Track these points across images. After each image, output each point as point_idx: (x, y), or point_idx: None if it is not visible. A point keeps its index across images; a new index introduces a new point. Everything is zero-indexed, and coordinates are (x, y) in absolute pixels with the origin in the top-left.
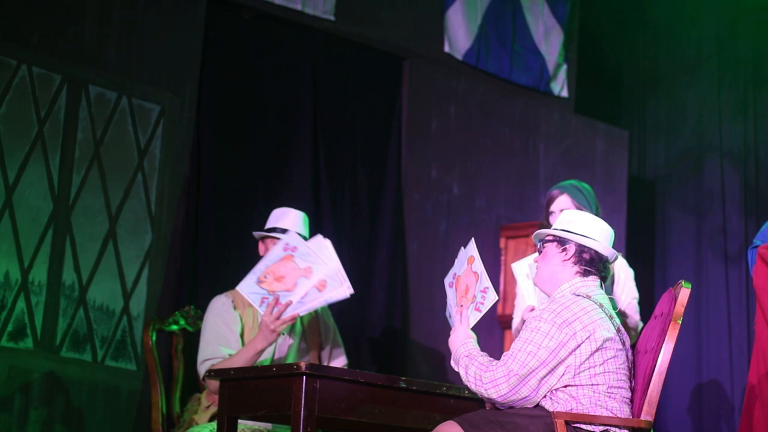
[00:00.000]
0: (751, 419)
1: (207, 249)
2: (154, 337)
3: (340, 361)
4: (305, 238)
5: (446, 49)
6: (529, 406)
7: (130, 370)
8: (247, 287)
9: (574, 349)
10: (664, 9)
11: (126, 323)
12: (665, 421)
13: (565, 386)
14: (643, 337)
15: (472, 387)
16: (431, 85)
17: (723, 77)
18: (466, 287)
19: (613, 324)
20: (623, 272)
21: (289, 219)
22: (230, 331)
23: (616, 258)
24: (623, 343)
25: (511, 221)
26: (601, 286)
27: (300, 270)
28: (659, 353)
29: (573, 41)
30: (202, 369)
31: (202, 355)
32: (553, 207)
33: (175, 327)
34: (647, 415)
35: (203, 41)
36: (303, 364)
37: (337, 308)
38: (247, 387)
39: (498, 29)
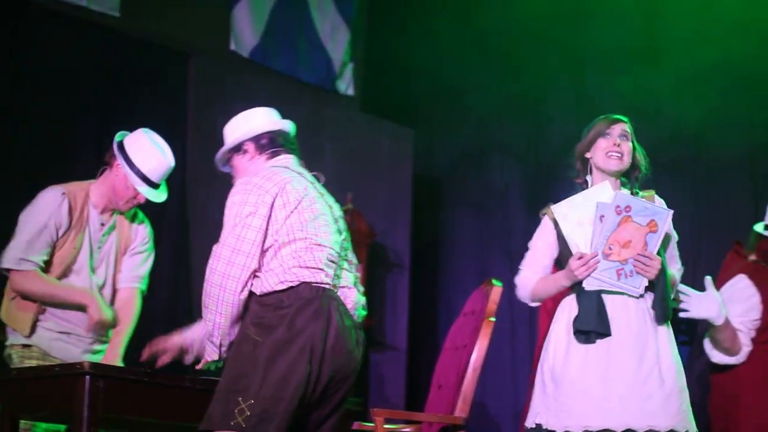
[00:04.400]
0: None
1: None
2: None
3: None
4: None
5: (232, 46)
6: (246, 271)
7: None
8: (596, 271)
9: (272, 204)
10: (448, 10)
11: None
12: None
13: (270, 247)
14: (451, 335)
15: (220, 309)
16: (217, 83)
17: (506, 76)
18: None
19: (310, 184)
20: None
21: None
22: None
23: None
24: (326, 205)
25: None
26: (299, 162)
27: (644, 228)
28: (473, 350)
29: (360, 40)
30: (15, 266)
31: (17, 250)
32: (611, 130)
33: None
34: (461, 411)
35: None
36: (87, 364)
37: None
38: (29, 387)
39: (284, 27)
